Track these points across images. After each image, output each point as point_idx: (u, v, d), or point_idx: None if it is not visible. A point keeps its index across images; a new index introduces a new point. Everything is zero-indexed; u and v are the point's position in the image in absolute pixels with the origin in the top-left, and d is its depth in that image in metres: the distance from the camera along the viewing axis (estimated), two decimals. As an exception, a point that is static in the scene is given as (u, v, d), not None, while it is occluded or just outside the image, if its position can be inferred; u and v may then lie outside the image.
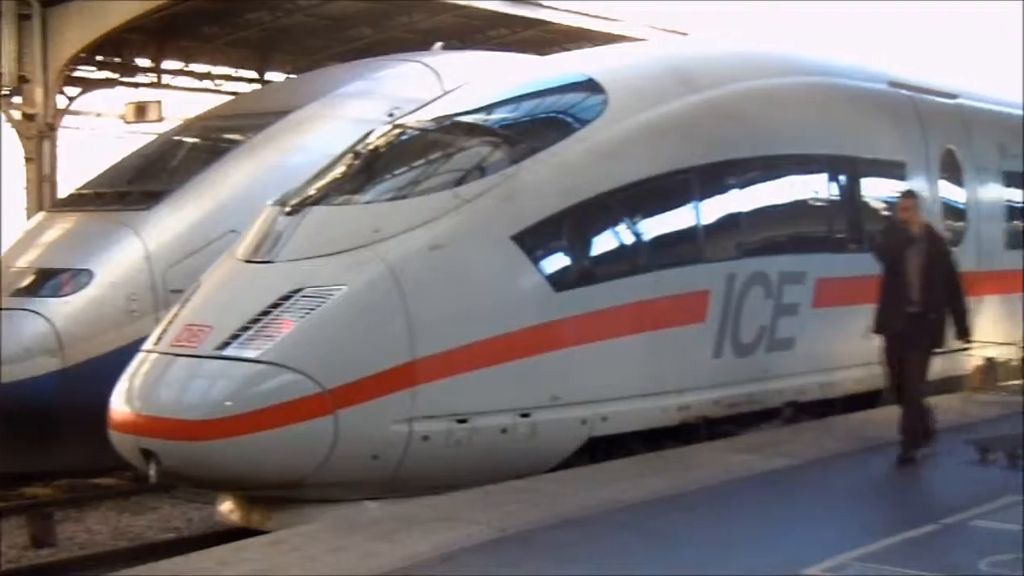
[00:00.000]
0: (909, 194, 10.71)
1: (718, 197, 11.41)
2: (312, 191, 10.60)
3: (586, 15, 23.16)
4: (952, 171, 14.52)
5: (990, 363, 14.32)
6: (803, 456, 10.16)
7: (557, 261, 10.24)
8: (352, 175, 10.76)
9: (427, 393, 9.24)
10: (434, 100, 12.34)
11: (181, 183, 14.33)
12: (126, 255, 13.58)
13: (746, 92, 12.21)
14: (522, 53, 18.62)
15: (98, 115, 24.57)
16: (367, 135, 11.55)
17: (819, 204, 12.63)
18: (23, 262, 13.90)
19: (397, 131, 11.39)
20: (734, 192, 11.57)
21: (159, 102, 20.82)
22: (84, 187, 15.65)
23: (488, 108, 11.39)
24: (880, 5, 33.05)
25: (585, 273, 10.29)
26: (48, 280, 13.52)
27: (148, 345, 9.87)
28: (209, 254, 12.31)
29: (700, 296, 10.96)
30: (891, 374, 10.44)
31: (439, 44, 18.12)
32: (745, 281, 11.31)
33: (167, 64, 23.48)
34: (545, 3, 22.50)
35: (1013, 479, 9.37)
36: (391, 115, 12.32)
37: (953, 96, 15.08)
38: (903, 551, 7.52)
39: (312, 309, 9.21)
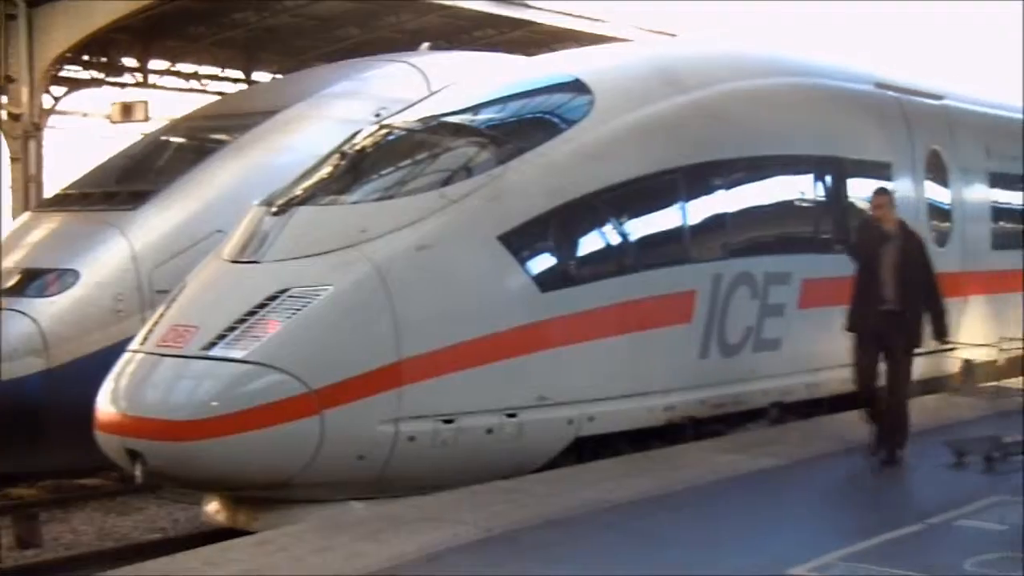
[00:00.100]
0: (882, 191, 10.65)
1: (704, 198, 11.43)
2: (299, 191, 10.59)
3: (573, 16, 23.18)
4: (938, 172, 14.55)
5: (968, 365, 14.31)
6: (789, 456, 10.18)
7: (544, 261, 10.25)
8: (339, 175, 10.75)
9: (413, 393, 9.24)
10: (421, 100, 12.34)
11: (167, 183, 14.30)
12: (112, 255, 13.54)
13: (733, 93, 12.23)
14: (509, 54, 18.61)
15: (84, 115, 24.50)
16: (354, 135, 11.55)
17: (805, 205, 12.65)
18: (9, 262, 13.85)
19: (384, 131, 11.38)
20: (720, 193, 11.59)
21: (145, 102, 20.79)
22: (70, 187, 15.61)
23: (475, 108, 11.40)
24: (875, 5, 33.14)
25: (572, 273, 10.30)
26: (34, 280, 13.48)
27: (134, 345, 9.86)
28: (195, 254, 12.29)
29: (686, 296, 10.97)
30: (859, 374, 10.29)
31: (426, 44, 18.12)
32: (731, 281, 11.32)
33: (153, 64, 23.44)
34: (532, 4, 22.51)
35: (993, 481, 9.36)
36: (378, 115, 12.32)
37: (939, 97, 15.12)
38: (888, 551, 7.54)
39: (298, 309, 9.20)
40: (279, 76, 23.75)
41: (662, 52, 14.01)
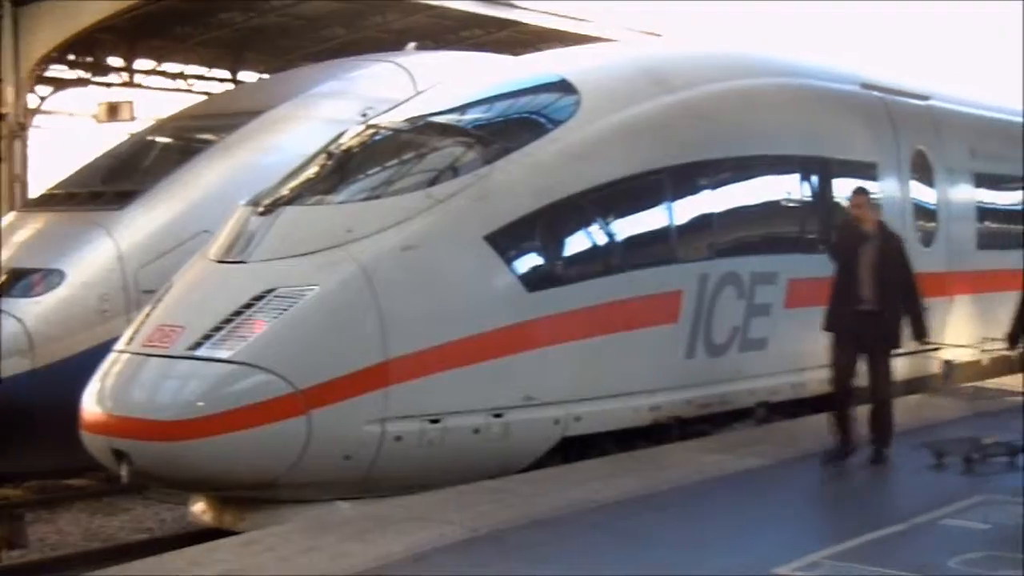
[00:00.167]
0: (860, 191, 10.64)
1: (691, 198, 11.44)
2: (285, 191, 10.58)
3: (559, 16, 23.20)
4: (923, 172, 14.59)
5: (948, 365, 14.31)
6: (775, 456, 10.19)
7: (530, 261, 10.26)
8: (325, 175, 10.75)
9: (400, 393, 9.24)
10: (407, 100, 12.34)
11: (154, 183, 14.28)
12: (98, 255, 13.51)
13: (719, 93, 12.24)
14: (496, 54, 18.62)
15: (70, 115, 24.46)
16: (340, 135, 11.54)
17: (791, 205, 12.68)
18: (-6, 262, 13.82)
19: (370, 131, 11.38)
20: (707, 193, 11.61)
21: (131, 102, 20.76)
22: (56, 187, 15.58)
23: (461, 108, 11.40)
24: (873, 5, 33.22)
25: (558, 274, 10.31)
26: (19, 280, 13.44)
27: (120, 345, 9.84)
28: (181, 254, 12.26)
29: (673, 296, 10.99)
30: (836, 374, 10.21)
31: (412, 44, 18.12)
32: (717, 282, 11.34)
33: (139, 64, 23.41)
34: (518, 4, 22.53)
35: (972, 482, 9.36)
36: (364, 115, 12.30)
37: (925, 98, 15.16)
38: (874, 550, 7.56)
39: (285, 309, 9.19)
40: (265, 76, 23.72)
41: (648, 52, 14.04)
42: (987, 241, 15.64)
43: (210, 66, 24.51)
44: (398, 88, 14.56)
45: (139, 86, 23.32)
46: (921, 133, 14.68)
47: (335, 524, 8.22)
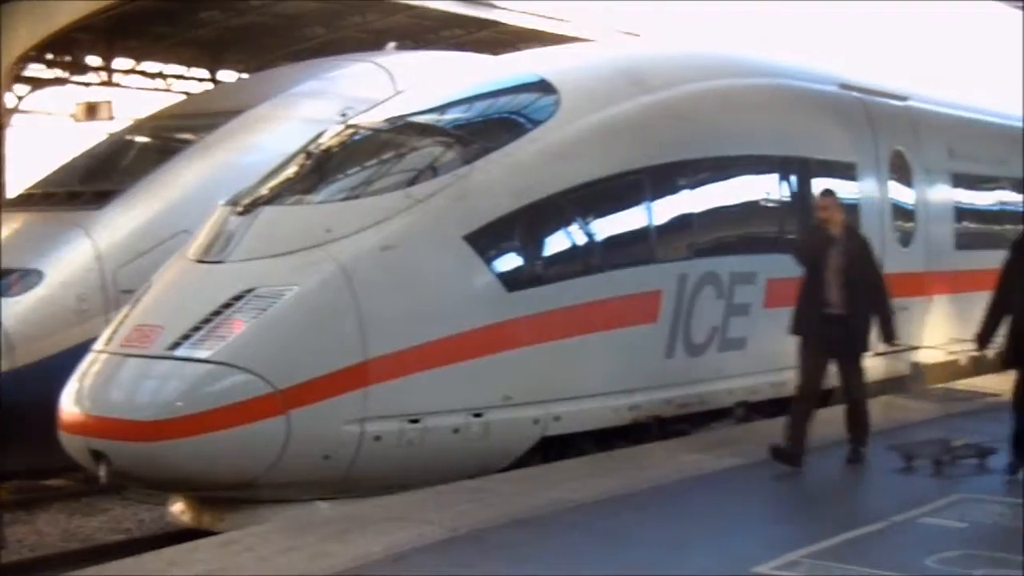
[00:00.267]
0: (828, 193, 10.60)
1: (670, 198, 11.46)
2: (264, 191, 10.57)
3: (539, 16, 23.21)
4: (901, 172, 14.65)
5: (915, 367, 14.31)
6: (754, 455, 10.19)
7: (509, 261, 10.26)
8: (304, 175, 10.73)
9: (379, 393, 9.24)
10: (387, 100, 12.33)
11: (132, 183, 14.24)
12: (76, 255, 13.46)
13: (698, 93, 12.27)
14: (475, 53, 18.62)
15: (48, 114, 24.38)
16: (319, 135, 11.53)
17: (770, 205, 12.71)
18: (-30, 262, 13.76)
19: (350, 131, 11.38)
20: (686, 193, 11.63)
21: (109, 101, 20.69)
22: (34, 187, 15.52)
23: (441, 108, 11.40)
24: (869, 6, 33.31)
25: (538, 273, 10.31)
26: (-3, 280, 13.39)
27: (98, 345, 9.81)
28: (160, 254, 12.22)
29: (652, 296, 11.01)
30: (802, 378, 10.09)
31: (392, 44, 18.11)
32: (697, 281, 11.36)
33: (118, 63, 23.34)
34: (498, 4, 22.53)
35: (942, 485, 9.35)
36: (344, 115, 12.29)
37: (903, 98, 15.22)
38: (852, 548, 7.59)
39: (264, 309, 9.18)
40: (245, 75, 23.67)
41: (627, 52, 14.05)
42: (965, 241, 15.70)
43: (189, 65, 24.46)
44: (378, 88, 14.55)
45: (118, 85, 23.26)
46: (899, 133, 14.73)
47: (314, 524, 8.21)
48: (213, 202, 10.84)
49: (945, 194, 15.59)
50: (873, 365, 12.76)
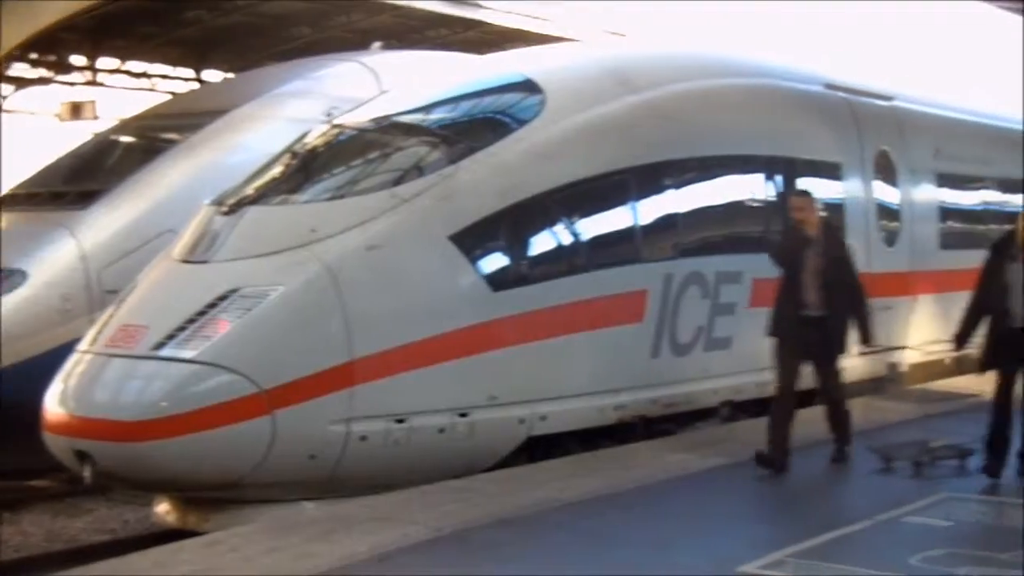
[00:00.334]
0: (803, 193, 10.58)
1: (656, 198, 11.47)
2: (249, 191, 10.55)
3: (525, 16, 23.21)
4: (887, 172, 14.67)
5: (892, 367, 14.28)
6: (739, 455, 10.20)
7: (495, 261, 10.26)
8: (289, 175, 10.72)
9: (365, 393, 9.23)
10: (372, 100, 12.32)
11: (117, 183, 14.20)
12: (61, 255, 13.42)
13: (684, 93, 12.28)
14: (461, 53, 18.61)
15: (32, 114, 24.31)
16: (304, 135, 11.52)
17: (756, 204, 12.72)
18: (-45, 262, 13.71)
19: (335, 131, 11.36)
20: (672, 193, 11.64)
21: (94, 101, 20.63)
22: (19, 187, 15.47)
23: (426, 108, 11.39)
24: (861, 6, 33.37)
25: (523, 273, 10.32)
26: (-19, 280, 13.35)
27: (83, 346, 9.78)
28: (145, 254, 12.18)
29: (638, 296, 11.01)
30: (779, 380, 10.00)
31: (377, 44, 18.08)
32: (682, 281, 11.37)
33: (103, 63, 23.27)
34: (483, 4, 22.52)
35: (921, 486, 9.32)
36: (329, 115, 12.28)
37: (888, 98, 15.24)
38: (837, 547, 7.60)
39: (249, 309, 9.16)
40: (230, 75, 23.63)
41: (613, 52, 14.04)
42: (950, 241, 15.73)
43: (174, 65, 24.40)
44: (363, 88, 14.53)
45: (102, 85, 23.19)
46: (885, 133, 14.76)
47: (300, 524, 8.20)
48: (198, 202, 10.82)
49: (930, 194, 15.62)
50: (857, 365, 12.82)
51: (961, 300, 10.32)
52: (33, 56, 21.51)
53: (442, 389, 9.64)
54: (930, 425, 11.57)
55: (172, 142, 14.89)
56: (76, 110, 20.59)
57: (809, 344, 9.92)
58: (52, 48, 21.73)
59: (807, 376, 10.23)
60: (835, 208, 13.62)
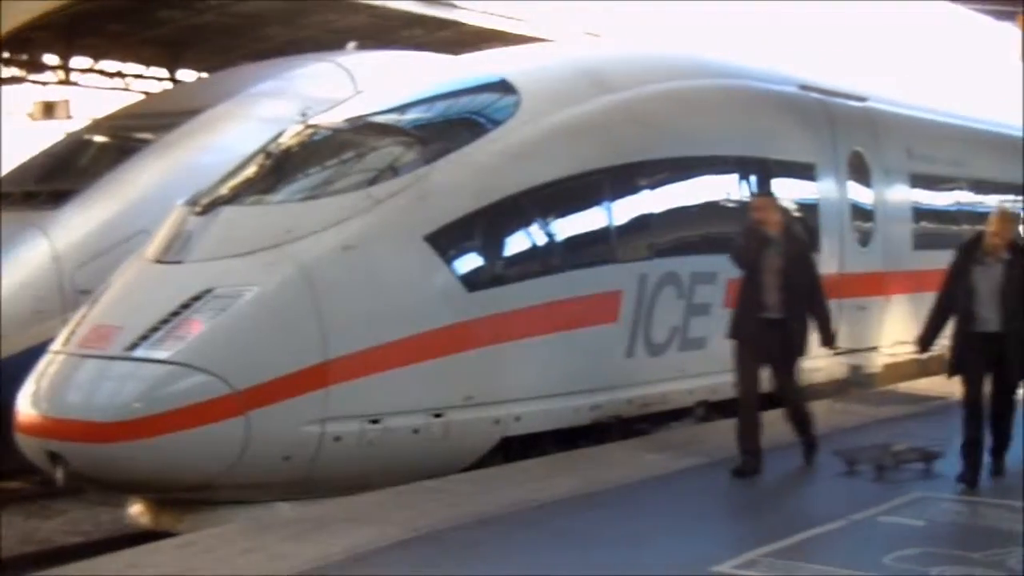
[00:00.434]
0: (763, 193, 10.58)
1: (630, 198, 11.48)
2: (223, 191, 10.52)
3: (500, 16, 23.21)
4: (860, 172, 14.72)
5: (854, 370, 14.25)
6: (714, 455, 10.23)
7: (470, 261, 10.26)
8: (264, 175, 10.69)
9: (339, 394, 9.21)
10: (347, 100, 12.30)
11: (90, 183, 14.15)
12: (33, 255, 13.36)
13: (659, 94, 12.29)
14: (437, 54, 18.59)
15: (5, 113, 24.17)
16: (279, 135, 11.49)
17: (731, 205, 12.74)
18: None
19: (309, 131, 11.33)
20: (646, 193, 11.66)
21: (67, 100, 20.54)
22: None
23: (401, 108, 11.39)
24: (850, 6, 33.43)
25: (498, 273, 10.32)
26: (-48, 281, 13.27)
27: (56, 346, 9.74)
28: (119, 254, 12.15)
29: (613, 296, 11.02)
30: (741, 383, 9.95)
31: (353, 44, 18.06)
32: (657, 281, 11.39)
33: (76, 62, 23.17)
34: (459, 4, 22.51)
35: (884, 490, 9.29)
36: (303, 115, 12.27)
37: (862, 99, 15.30)
38: (811, 547, 7.63)
39: (223, 310, 9.13)
40: (204, 75, 23.55)
41: (589, 53, 14.06)
42: (923, 241, 15.79)
43: (148, 65, 24.30)
44: (338, 88, 14.51)
45: (75, 84, 23.08)
46: (858, 134, 14.81)
47: (274, 525, 8.18)
48: (172, 202, 10.78)
49: (904, 195, 15.69)
50: (822, 367, 12.87)
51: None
52: (5, 55, 21.39)
53: (417, 390, 9.63)
54: (896, 428, 11.53)
55: (146, 142, 14.85)
56: (49, 109, 20.51)
57: (770, 347, 9.82)
58: (24, 47, 21.61)
59: (768, 379, 10.16)
60: (809, 209, 13.67)
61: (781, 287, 9.75)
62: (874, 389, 14.30)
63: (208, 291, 9.28)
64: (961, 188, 17.22)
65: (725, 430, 11.10)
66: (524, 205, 10.55)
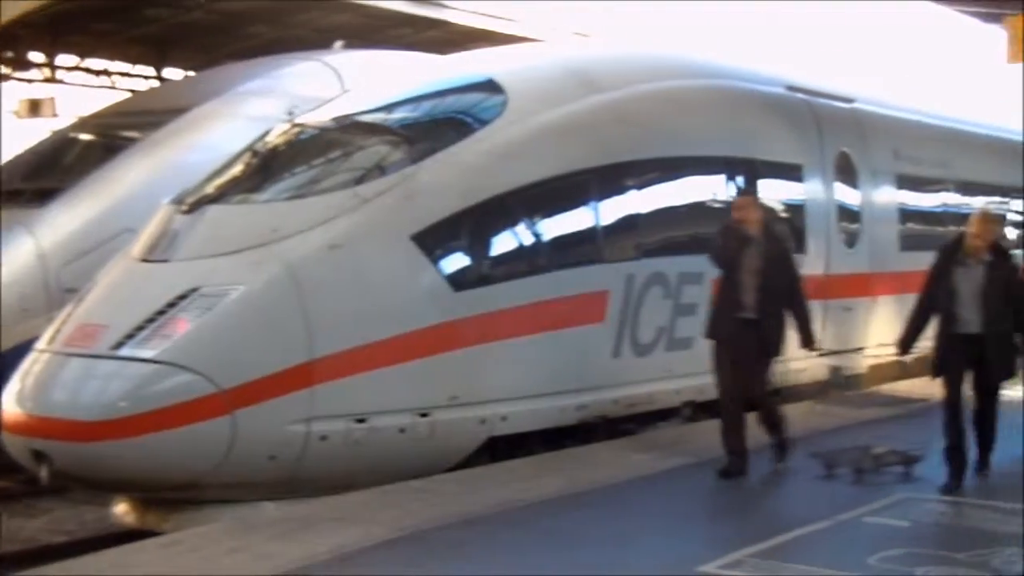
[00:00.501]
0: (744, 192, 10.57)
1: (617, 198, 11.49)
2: (210, 190, 10.51)
3: (488, 16, 23.20)
4: (847, 173, 14.74)
5: (835, 371, 14.22)
6: (701, 455, 10.24)
7: (457, 261, 10.25)
8: (250, 174, 10.68)
9: (325, 393, 9.20)
10: (334, 99, 12.29)
11: (76, 181, 14.12)
12: (18, 253, 13.33)
13: (646, 94, 12.30)
14: (424, 53, 18.58)
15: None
16: (266, 133, 11.47)
17: (717, 205, 12.75)
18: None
19: (296, 130, 11.32)
20: (633, 193, 11.66)
21: (53, 98, 20.49)
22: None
23: (388, 108, 11.38)
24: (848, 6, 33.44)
25: (485, 273, 10.31)
26: (-63, 279, 13.23)
27: (41, 345, 9.71)
28: (105, 253, 12.12)
29: (599, 296, 11.03)
30: (721, 383, 9.90)
31: (340, 43, 18.04)
32: (644, 281, 11.39)
33: (62, 60, 23.10)
34: (447, 3, 22.49)
35: (864, 492, 9.26)
36: (290, 113, 12.26)
37: (849, 100, 15.32)
38: (796, 547, 7.63)
39: (209, 308, 9.12)
40: (191, 73, 23.51)
41: (576, 53, 14.07)
42: (910, 242, 15.82)
43: (134, 63, 24.24)
44: (325, 87, 14.50)
45: (61, 82, 23.02)
46: (845, 135, 14.83)
47: (260, 524, 8.17)
48: (158, 201, 10.76)
49: (890, 196, 15.71)
50: (804, 368, 12.90)
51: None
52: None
53: (403, 389, 9.62)
54: (876, 430, 11.48)
55: (132, 140, 14.82)
56: (35, 107, 20.45)
57: (748, 347, 9.76)
58: (10, 44, 21.53)
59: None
60: (795, 209, 13.70)
61: (759, 287, 9.69)
62: (856, 391, 14.31)
63: (194, 290, 9.26)
64: (948, 190, 17.26)
65: (711, 430, 11.08)
66: (511, 205, 10.55)
